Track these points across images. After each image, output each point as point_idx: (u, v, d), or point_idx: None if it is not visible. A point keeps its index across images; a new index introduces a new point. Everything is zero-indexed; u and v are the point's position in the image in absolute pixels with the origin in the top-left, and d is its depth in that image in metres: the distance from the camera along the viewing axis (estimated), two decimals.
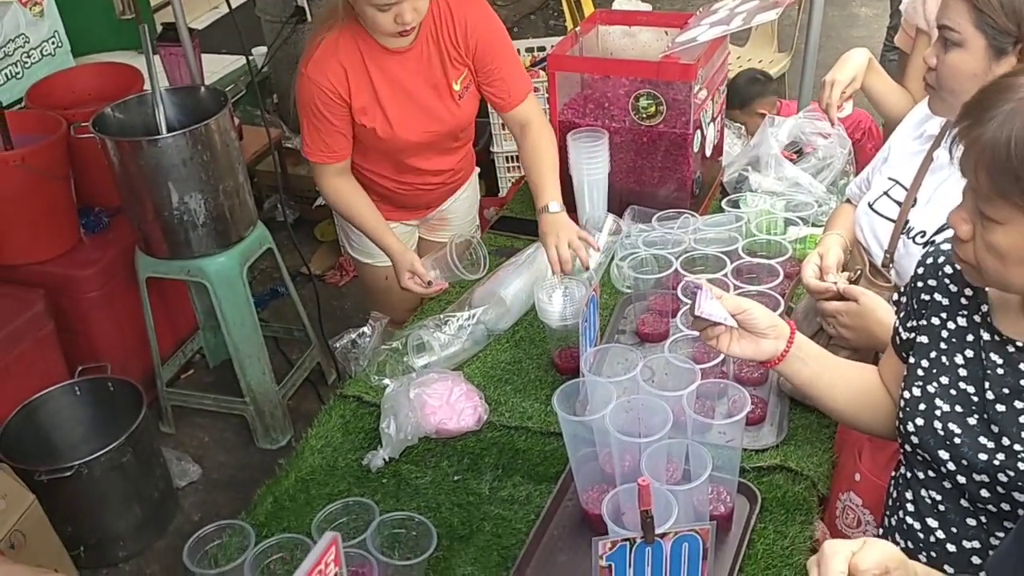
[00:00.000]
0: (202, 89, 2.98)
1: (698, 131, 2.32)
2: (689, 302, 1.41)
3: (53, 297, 2.90)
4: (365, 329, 2.13)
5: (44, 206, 2.92)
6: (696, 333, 1.62)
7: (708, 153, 2.45)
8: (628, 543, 1.23)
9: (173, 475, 2.99)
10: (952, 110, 1.66)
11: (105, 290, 3.03)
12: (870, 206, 1.80)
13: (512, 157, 3.90)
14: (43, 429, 2.78)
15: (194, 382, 3.48)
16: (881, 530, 1.49)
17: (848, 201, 1.99)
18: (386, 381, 1.92)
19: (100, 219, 3.14)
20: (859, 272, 1.76)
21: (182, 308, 3.38)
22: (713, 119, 2.45)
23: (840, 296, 1.68)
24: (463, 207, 2.62)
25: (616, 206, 2.37)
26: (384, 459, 1.76)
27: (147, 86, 2.90)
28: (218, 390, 3.29)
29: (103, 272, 3.01)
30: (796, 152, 2.43)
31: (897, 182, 1.77)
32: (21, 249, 2.93)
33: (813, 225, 2.17)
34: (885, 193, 1.78)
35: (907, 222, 1.71)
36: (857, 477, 1.67)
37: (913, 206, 1.72)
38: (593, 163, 2.27)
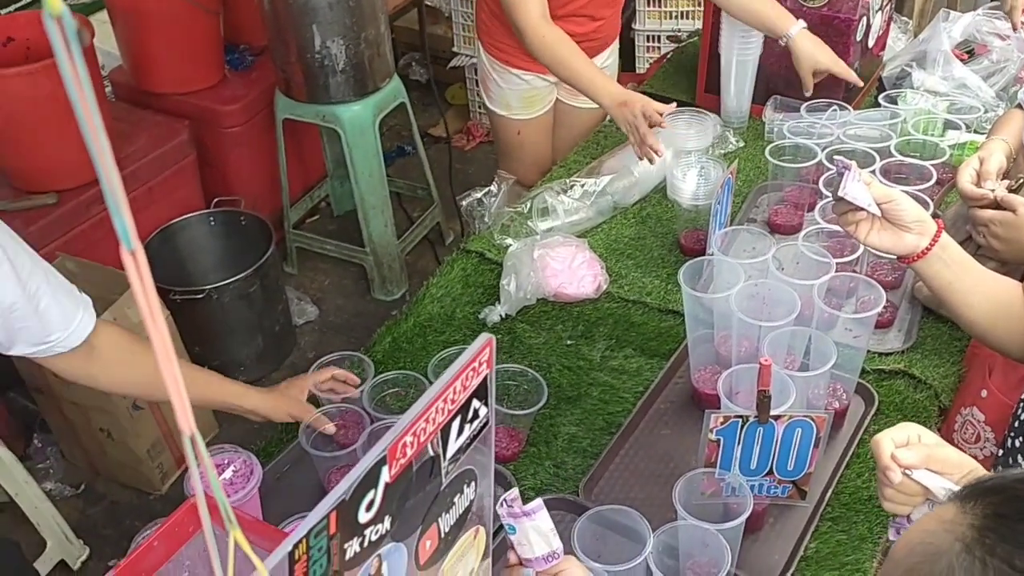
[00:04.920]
0: None
1: (864, 19, 2.17)
2: (831, 192, 1.35)
3: (196, 129, 3.00)
4: (491, 188, 2.14)
5: (193, 38, 2.99)
6: (833, 227, 1.57)
7: (870, 44, 2.30)
8: (741, 420, 1.23)
9: (292, 313, 3.13)
10: None
11: (245, 127, 3.11)
12: None
13: (652, 36, 3.74)
14: (179, 253, 2.93)
15: (318, 228, 3.59)
16: (1001, 451, 1.44)
17: (1019, 107, 1.85)
18: (508, 241, 1.93)
19: (244, 57, 3.20)
20: (1021, 181, 1.65)
21: (314, 154, 3.46)
22: (881, 7, 2.29)
23: (996, 205, 1.58)
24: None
25: (762, 92, 2.27)
26: (501, 315, 1.79)
27: None
28: (340, 238, 3.38)
29: (244, 109, 3.10)
30: (968, 52, 2.25)
31: None
32: (170, 78, 3.03)
33: (975, 132, 2.03)
34: None
35: None
36: (984, 393, 1.60)
37: None
38: (747, 43, 2.17)
